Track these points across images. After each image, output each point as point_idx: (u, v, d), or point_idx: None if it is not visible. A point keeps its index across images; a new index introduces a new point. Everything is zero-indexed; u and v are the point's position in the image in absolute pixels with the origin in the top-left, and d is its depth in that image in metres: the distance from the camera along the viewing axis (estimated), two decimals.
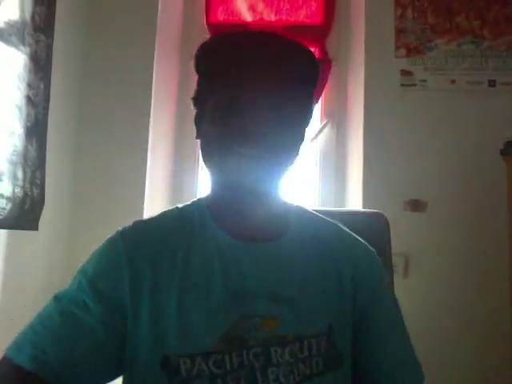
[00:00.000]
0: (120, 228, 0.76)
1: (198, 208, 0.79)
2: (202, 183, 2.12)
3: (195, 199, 0.82)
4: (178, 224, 0.76)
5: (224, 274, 0.72)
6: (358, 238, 0.84)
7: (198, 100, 0.79)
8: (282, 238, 0.77)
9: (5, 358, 0.71)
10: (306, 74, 0.76)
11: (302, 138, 0.77)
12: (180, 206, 0.81)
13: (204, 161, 0.76)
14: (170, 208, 0.81)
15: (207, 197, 0.81)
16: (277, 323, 0.70)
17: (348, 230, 0.85)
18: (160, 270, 0.71)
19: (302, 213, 0.85)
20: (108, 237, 0.76)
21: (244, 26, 2.20)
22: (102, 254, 0.74)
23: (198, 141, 0.78)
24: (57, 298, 0.74)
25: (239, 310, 0.70)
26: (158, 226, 0.76)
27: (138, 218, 0.79)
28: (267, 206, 0.77)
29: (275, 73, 0.71)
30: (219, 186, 0.77)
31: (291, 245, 0.77)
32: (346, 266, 0.79)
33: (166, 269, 0.71)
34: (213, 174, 0.77)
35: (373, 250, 0.84)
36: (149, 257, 0.72)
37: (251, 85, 0.70)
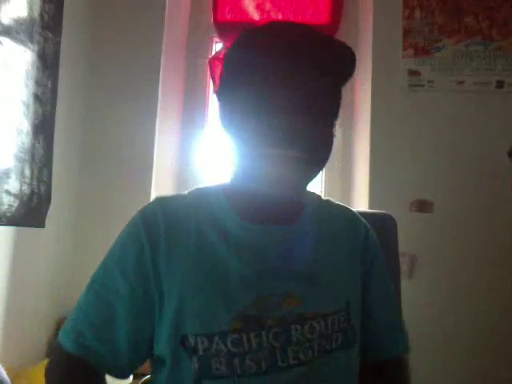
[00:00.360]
0: (143, 207, 0.77)
1: (216, 193, 0.79)
2: (208, 182, 2.12)
3: (214, 184, 0.82)
4: (197, 205, 0.77)
5: (241, 254, 0.72)
6: (363, 219, 0.88)
7: (224, 94, 0.76)
8: (299, 221, 0.78)
9: (57, 343, 0.77)
10: (340, 69, 0.74)
11: (334, 138, 0.76)
12: (199, 187, 0.81)
13: (234, 157, 0.75)
14: (190, 190, 0.82)
15: (226, 186, 0.80)
16: (296, 301, 0.71)
17: (356, 212, 0.89)
18: (178, 250, 0.72)
19: (317, 197, 0.86)
20: (132, 217, 0.77)
21: (252, 24, 2.20)
22: (125, 236, 0.75)
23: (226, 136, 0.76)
24: (91, 282, 0.76)
25: (258, 289, 0.70)
26: (177, 207, 0.76)
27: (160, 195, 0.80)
28: (289, 202, 0.77)
29: (316, 70, 0.69)
30: (246, 180, 0.76)
31: (308, 227, 0.79)
32: (358, 243, 0.83)
33: (183, 249, 0.72)
34: (240, 170, 0.76)
35: (367, 224, 0.88)
36: (167, 238, 0.72)
37: (289, 81, 0.68)
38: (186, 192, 0.81)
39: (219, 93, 0.78)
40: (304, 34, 0.71)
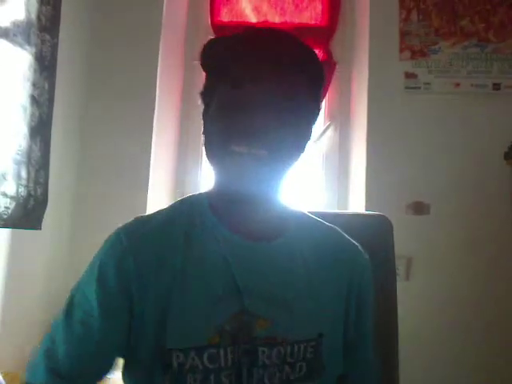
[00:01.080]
0: (120, 225, 0.76)
1: (200, 202, 0.78)
2: (205, 180, 2.12)
3: (197, 193, 0.82)
4: (180, 218, 0.76)
5: (222, 269, 0.71)
6: (355, 242, 0.83)
7: (204, 95, 0.78)
8: (281, 239, 0.76)
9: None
10: (312, 74, 0.75)
11: (306, 137, 0.76)
12: (182, 199, 0.81)
13: (207, 158, 0.76)
14: (173, 202, 0.81)
15: (209, 192, 0.80)
16: (268, 324, 0.70)
17: (346, 235, 0.83)
18: (163, 263, 0.71)
19: (302, 216, 0.84)
20: (109, 235, 0.75)
21: (248, 26, 2.20)
22: (107, 250, 0.74)
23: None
24: (66, 311, 0.75)
25: (235, 306, 0.70)
26: (159, 220, 0.76)
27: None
28: (266, 206, 0.76)
29: (279, 71, 0.69)
30: (220, 183, 0.77)
31: (290, 246, 0.76)
32: (344, 270, 0.79)
33: (168, 262, 0.71)
34: (214, 171, 0.77)
35: (366, 254, 0.83)
36: (152, 250, 0.72)
37: (254, 82, 0.69)
38: (171, 204, 0.81)
39: (200, 93, 0.79)
40: (273, 38, 0.73)
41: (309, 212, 0.86)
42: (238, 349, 0.68)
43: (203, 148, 0.76)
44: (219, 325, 0.68)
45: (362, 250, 0.82)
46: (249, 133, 0.67)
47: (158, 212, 0.79)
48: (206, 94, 0.77)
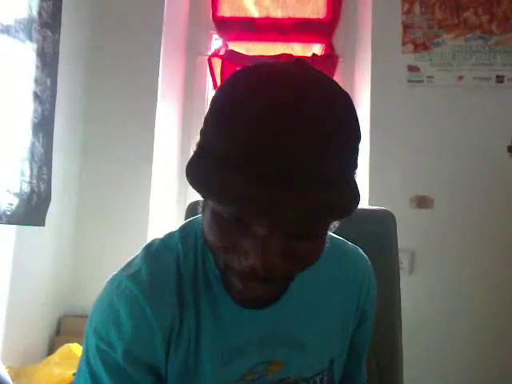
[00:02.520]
0: (128, 274, 0.64)
1: (201, 244, 0.66)
2: None
3: (194, 228, 0.69)
4: (181, 267, 0.65)
5: (233, 323, 0.65)
6: (356, 248, 0.76)
7: (203, 147, 0.57)
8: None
9: None
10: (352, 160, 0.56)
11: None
12: (182, 234, 0.68)
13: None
14: (171, 235, 0.69)
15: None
16: (280, 367, 0.67)
17: (346, 243, 0.76)
18: (179, 321, 0.63)
19: None
20: (119, 288, 0.63)
21: (251, 22, 2.20)
22: (129, 319, 0.61)
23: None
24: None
25: (246, 361, 0.65)
26: (167, 270, 0.65)
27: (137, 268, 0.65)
28: None
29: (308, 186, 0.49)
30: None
31: (303, 282, 0.66)
32: (353, 285, 0.74)
33: (180, 319, 0.63)
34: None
35: (368, 260, 0.77)
36: (171, 308, 0.63)
37: (266, 206, 0.48)
38: (168, 238, 0.68)
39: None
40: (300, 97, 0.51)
41: None
42: None
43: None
44: (234, 381, 0.65)
45: (364, 257, 0.76)
46: (255, 275, 0.54)
47: (162, 255, 0.66)
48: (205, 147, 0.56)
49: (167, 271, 0.64)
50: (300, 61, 0.57)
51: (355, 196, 0.57)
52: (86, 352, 0.63)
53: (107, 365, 0.61)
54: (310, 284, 0.69)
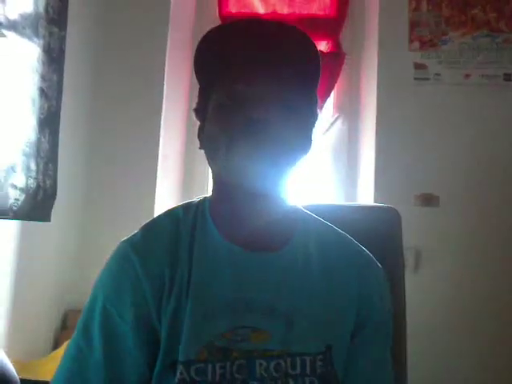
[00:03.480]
0: (125, 239, 0.73)
1: (201, 210, 0.76)
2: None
3: (201, 197, 0.79)
4: (180, 228, 0.74)
5: (221, 281, 0.70)
6: (367, 252, 0.79)
7: (198, 111, 0.76)
8: (285, 248, 0.73)
9: None
10: (309, 68, 0.72)
11: (308, 136, 0.73)
12: (184, 204, 0.78)
13: (208, 162, 0.73)
14: (175, 206, 0.78)
15: (211, 198, 0.77)
16: (265, 336, 0.68)
17: (357, 243, 0.79)
18: (169, 276, 0.70)
19: (309, 220, 0.79)
20: (116, 251, 0.72)
21: (256, 17, 2.19)
22: (118, 273, 0.71)
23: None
24: (81, 330, 0.70)
25: (229, 320, 0.68)
26: (162, 232, 0.73)
27: (145, 221, 0.76)
28: (270, 209, 0.72)
29: (278, 64, 0.69)
30: (220, 188, 0.74)
31: (295, 256, 0.73)
32: (354, 283, 0.75)
33: (171, 275, 0.70)
34: (215, 175, 0.75)
35: (378, 264, 0.79)
36: (161, 263, 0.70)
37: (254, 78, 0.68)
38: (172, 208, 0.78)
39: (194, 109, 0.77)
40: (271, 30, 0.71)
41: (317, 204, 0.83)
42: (230, 364, 0.67)
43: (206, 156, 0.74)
44: (207, 342, 0.67)
45: (375, 261, 0.78)
46: (251, 125, 0.66)
47: (160, 219, 0.76)
48: (200, 110, 0.75)
49: (162, 233, 0.73)
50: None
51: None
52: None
53: (99, 316, 0.68)
54: (310, 266, 0.74)
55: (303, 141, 0.72)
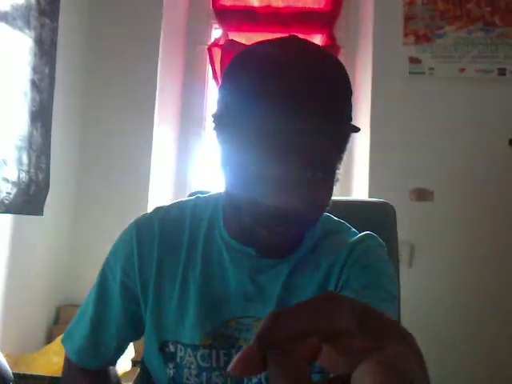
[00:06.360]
0: (139, 217, 0.77)
1: (214, 205, 0.75)
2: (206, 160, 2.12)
3: (217, 193, 0.77)
4: (190, 219, 0.75)
5: (224, 274, 0.71)
6: (350, 234, 0.76)
7: (219, 125, 0.67)
8: (294, 256, 0.71)
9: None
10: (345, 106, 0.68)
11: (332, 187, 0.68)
12: (199, 198, 0.78)
13: (222, 186, 0.68)
14: (190, 199, 0.79)
15: (222, 206, 0.75)
16: None
17: (343, 228, 0.77)
18: (165, 262, 0.72)
19: (324, 221, 0.74)
20: (129, 226, 0.76)
21: (251, 12, 2.18)
22: (118, 242, 0.76)
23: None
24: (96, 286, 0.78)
25: (234, 309, 0.70)
26: (170, 218, 0.75)
27: (158, 205, 0.78)
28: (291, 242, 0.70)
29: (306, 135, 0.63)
30: (233, 215, 0.70)
31: (305, 261, 0.71)
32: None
33: (171, 261, 0.72)
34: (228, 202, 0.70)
35: (377, 243, 0.76)
36: (156, 248, 0.72)
37: (283, 152, 0.60)
38: (187, 199, 0.79)
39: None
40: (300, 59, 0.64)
41: None
42: (236, 351, 0.69)
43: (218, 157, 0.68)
44: (213, 329, 0.70)
45: (360, 239, 0.74)
46: (277, 214, 0.61)
47: (173, 206, 0.77)
48: (223, 126, 0.66)
49: (169, 222, 0.74)
50: (295, 36, 0.69)
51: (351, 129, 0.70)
52: None
53: (99, 276, 0.76)
54: (317, 271, 0.71)
55: (328, 203, 0.67)
